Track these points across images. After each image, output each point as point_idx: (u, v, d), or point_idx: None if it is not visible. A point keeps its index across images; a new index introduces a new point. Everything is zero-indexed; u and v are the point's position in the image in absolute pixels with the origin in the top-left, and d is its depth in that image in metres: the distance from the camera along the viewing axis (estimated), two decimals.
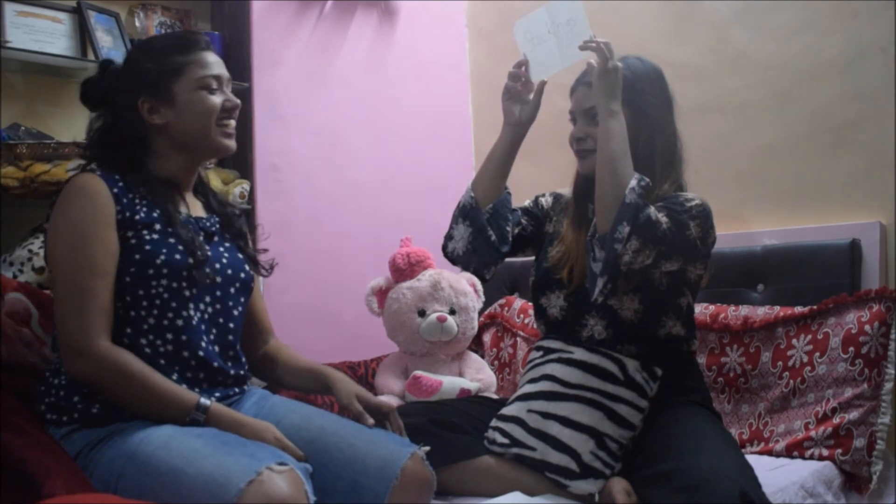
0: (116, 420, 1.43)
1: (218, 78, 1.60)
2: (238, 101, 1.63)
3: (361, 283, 2.45)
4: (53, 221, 1.49)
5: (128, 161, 1.57)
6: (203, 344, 1.52)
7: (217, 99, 1.59)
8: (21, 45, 2.08)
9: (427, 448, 1.52)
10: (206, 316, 1.54)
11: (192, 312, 1.51)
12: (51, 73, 2.23)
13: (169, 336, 1.49)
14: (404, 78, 2.92)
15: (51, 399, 1.48)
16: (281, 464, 1.28)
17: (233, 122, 1.62)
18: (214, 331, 1.56)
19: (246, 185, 2.46)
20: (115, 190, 1.51)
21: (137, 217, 1.51)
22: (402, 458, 1.46)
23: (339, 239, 2.72)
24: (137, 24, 2.41)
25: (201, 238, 1.57)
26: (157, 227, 1.52)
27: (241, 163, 2.54)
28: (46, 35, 2.16)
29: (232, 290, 1.60)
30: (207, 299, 1.55)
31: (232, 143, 1.63)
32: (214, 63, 1.60)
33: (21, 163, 2.01)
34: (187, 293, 1.51)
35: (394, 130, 2.88)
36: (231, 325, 1.60)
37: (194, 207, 1.65)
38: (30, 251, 1.95)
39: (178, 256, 1.50)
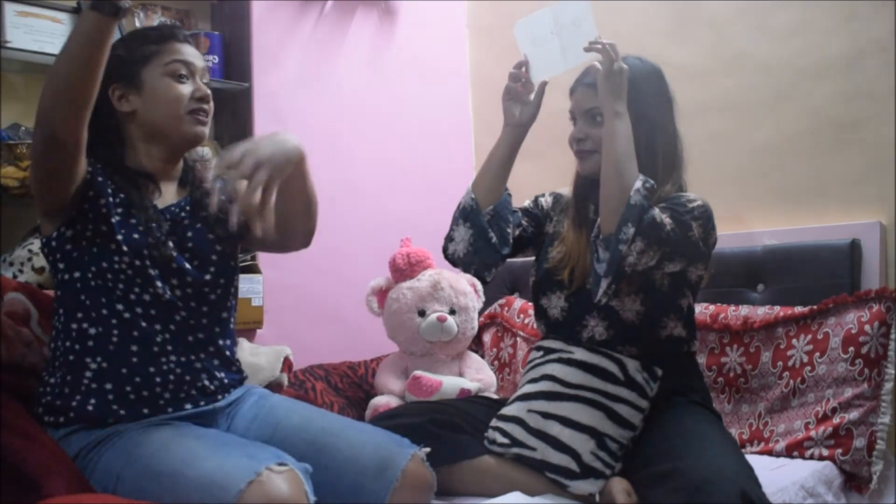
0: (115, 421, 1.43)
1: (188, 65, 1.58)
2: (208, 91, 1.59)
3: (361, 283, 2.45)
4: None
5: (104, 151, 1.56)
6: (183, 314, 1.53)
7: (186, 88, 1.57)
8: (21, 45, 2.08)
9: (427, 449, 1.52)
10: (175, 295, 1.53)
11: (160, 290, 1.51)
12: None
13: (139, 310, 1.50)
14: (404, 78, 2.92)
15: (46, 399, 1.47)
16: (281, 464, 1.28)
17: (204, 110, 1.59)
18: (189, 304, 1.55)
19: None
20: (91, 161, 1.52)
21: (109, 190, 1.51)
22: (403, 460, 1.46)
23: (339, 239, 2.71)
24: (137, 23, 2.40)
25: (167, 226, 1.56)
26: (121, 209, 1.51)
27: None
28: (46, 35, 2.15)
29: (207, 276, 1.58)
30: (174, 281, 1.54)
31: (202, 130, 1.59)
32: (180, 51, 1.58)
33: (21, 163, 2.01)
34: (152, 272, 1.50)
35: (394, 130, 2.88)
36: (205, 307, 1.58)
37: (170, 194, 1.63)
38: (30, 251, 1.95)
39: (136, 235, 1.50)
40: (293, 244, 1.70)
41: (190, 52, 1.60)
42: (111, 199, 1.51)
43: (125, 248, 1.48)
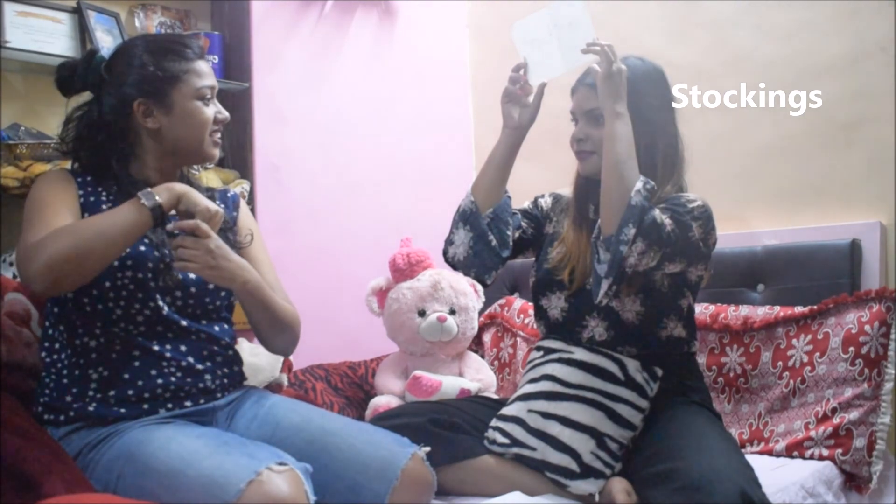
0: (115, 420, 1.43)
1: (212, 89, 1.60)
2: (227, 114, 1.63)
3: (361, 283, 2.45)
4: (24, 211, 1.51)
5: (108, 159, 1.55)
6: (184, 323, 1.53)
7: (210, 111, 1.59)
8: (21, 45, 2.08)
9: (427, 448, 1.52)
10: (175, 307, 1.54)
11: (160, 303, 1.51)
12: (51, 74, 2.19)
13: (140, 320, 1.50)
14: (404, 78, 2.92)
15: (45, 399, 1.48)
16: (281, 464, 1.28)
17: (220, 131, 1.63)
18: (188, 313, 1.56)
19: (246, 185, 2.46)
20: (79, 179, 1.54)
21: (104, 207, 1.51)
22: (403, 459, 1.46)
23: (339, 239, 2.71)
24: (137, 24, 2.41)
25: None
26: None
27: (241, 163, 2.53)
28: (46, 35, 2.15)
29: (210, 284, 1.57)
30: (177, 293, 1.54)
31: (218, 152, 1.64)
32: (208, 73, 1.60)
33: (21, 163, 2.02)
34: (152, 284, 1.50)
35: (394, 131, 2.88)
36: (206, 312, 1.59)
37: None
38: None
39: (141, 248, 1.50)
40: (271, 350, 1.72)
41: (211, 73, 1.61)
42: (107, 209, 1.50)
43: (129, 263, 1.48)
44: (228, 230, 1.66)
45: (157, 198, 1.41)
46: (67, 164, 1.65)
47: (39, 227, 1.42)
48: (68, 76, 1.59)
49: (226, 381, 1.58)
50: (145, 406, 1.46)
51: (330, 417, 1.59)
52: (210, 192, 1.71)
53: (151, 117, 1.55)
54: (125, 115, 1.55)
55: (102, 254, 1.38)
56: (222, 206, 1.69)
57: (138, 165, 1.58)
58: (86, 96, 1.62)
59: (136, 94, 1.54)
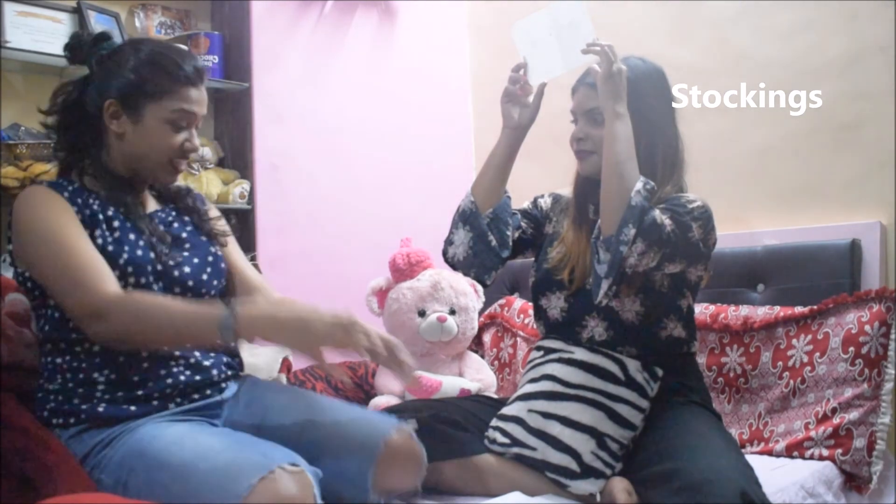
0: (127, 419, 1.43)
1: (190, 115, 1.54)
2: (197, 145, 1.58)
3: (361, 284, 2.45)
4: (22, 234, 1.47)
5: (82, 147, 1.55)
6: None
7: (179, 137, 1.54)
8: (21, 45, 2.08)
9: (415, 424, 1.53)
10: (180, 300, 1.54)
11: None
12: (51, 73, 2.23)
13: None
14: (404, 78, 2.92)
15: (51, 405, 1.47)
16: (293, 465, 1.28)
17: (186, 159, 1.59)
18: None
19: (246, 185, 2.47)
20: (66, 194, 1.51)
21: (100, 216, 1.51)
22: (386, 431, 1.48)
23: (339, 239, 2.72)
24: (137, 24, 2.41)
25: (165, 234, 1.56)
26: (116, 223, 1.51)
27: (241, 163, 2.54)
28: (46, 35, 2.16)
29: (204, 276, 1.58)
30: (177, 290, 1.54)
31: (174, 179, 1.61)
32: (195, 100, 1.54)
33: (21, 163, 2.02)
34: (155, 287, 1.50)
35: (394, 131, 2.88)
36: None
37: (150, 203, 1.64)
38: None
39: (139, 252, 1.50)
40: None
41: (197, 99, 1.55)
42: (104, 227, 1.50)
43: (129, 269, 1.48)
44: (205, 221, 1.67)
45: (235, 336, 1.39)
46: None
47: (84, 278, 1.40)
48: (77, 45, 1.59)
49: (230, 372, 1.59)
50: (155, 403, 1.47)
51: (317, 397, 1.64)
52: (185, 191, 1.71)
53: (117, 121, 1.53)
54: (97, 108, 1.54)
55: (175, 346, 1.47)
56: (194, 202, 1.69)
57: (111, 159, 1.56)
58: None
59: (111, 94, 1.52)
